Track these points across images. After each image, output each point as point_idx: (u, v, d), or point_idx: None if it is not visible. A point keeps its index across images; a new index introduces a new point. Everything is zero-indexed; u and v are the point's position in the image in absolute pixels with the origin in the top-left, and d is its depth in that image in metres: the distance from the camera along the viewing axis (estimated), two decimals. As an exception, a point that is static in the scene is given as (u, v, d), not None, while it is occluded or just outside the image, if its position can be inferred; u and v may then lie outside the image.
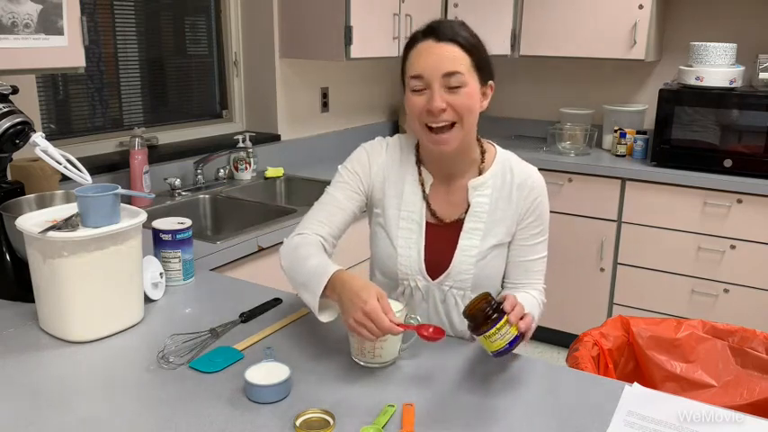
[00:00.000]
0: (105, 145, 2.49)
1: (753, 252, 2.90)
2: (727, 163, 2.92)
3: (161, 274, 1.54)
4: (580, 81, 3.70)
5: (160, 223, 1.64)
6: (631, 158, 3.27)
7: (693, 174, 2.96)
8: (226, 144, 2.78)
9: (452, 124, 1.33)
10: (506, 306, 1.17)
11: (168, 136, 2.72)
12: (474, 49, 1.31)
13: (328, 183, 1.50)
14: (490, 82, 1.37)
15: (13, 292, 1.50)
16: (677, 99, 3.00)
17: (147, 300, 1.48)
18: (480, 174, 1.44)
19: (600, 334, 1.74)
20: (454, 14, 3.42)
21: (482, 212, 1.42)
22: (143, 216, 1.37)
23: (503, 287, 1.49)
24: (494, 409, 1.14)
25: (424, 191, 1.45)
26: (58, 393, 1.16)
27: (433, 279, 1.44)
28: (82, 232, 1.27)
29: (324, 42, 2.83)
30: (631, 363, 1.80)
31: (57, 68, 1.88)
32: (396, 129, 3.77)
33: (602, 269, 3.24)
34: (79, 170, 1.45)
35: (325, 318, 1.27)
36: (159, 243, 1.61)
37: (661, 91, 3.04)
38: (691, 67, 3.00)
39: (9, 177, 1.61)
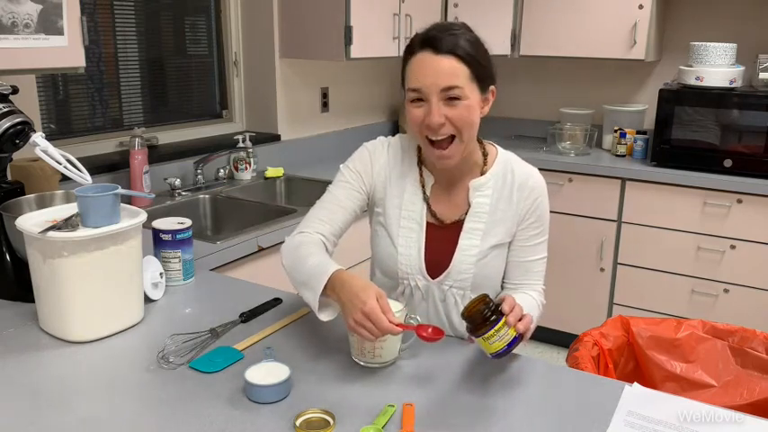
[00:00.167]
0: (105, 145, 2.49)
1: (753, 252, 2.90)
2: (727, 163, 2.92)
3: (161, 274, 1.54)
4: (580, 81, 3.70)
5: (160, 223, 1.64)
6: (631, 158, 3.27)
7: (693, 174, 2.96)
8: (226, 144, 2.78)
9: (452, 137, 1.33)
10: (504, 307, 1.17)
11: (168, 136, 2.72)
12: (473, 60, 1.30)
13: (328, 183, 1.50)
14: (491, 87, 1.36)
15: (13, 292, 1.50)
16: (677, 99, 3.00)
17: (147, 300, 1.48)
18: (482, 174, 1.44)
19: (600, 334, 1.74)
20: (454, 14, 3.41)
21: (482, 213, 1.42)
22: (143, 216, 1.37)
23: (502, 288, 1.49)
24: (494, 408, 1.14)
25: (425, 192, 1.45)
26: (58, 393, 1.16)
27: (433, 279, 1.44)
28: (82, 232, 1.27)
29: (324, 42, 2.83)
30: (631, 363, 1.80)
31: (57, 68, 1.88)
32: (396, 129, 3.77)
33: (602, 269, 3.24)
34: (79, 170, 1.45)
35: (324, 317, 1.27)
36: (159, 243, 1.61)
37: (661, 91, 3.04)
38: (691, 67, 3.00)
39: (9, 177, 1.61)
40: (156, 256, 1.59)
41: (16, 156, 1.59)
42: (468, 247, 1.41)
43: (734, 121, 2.94)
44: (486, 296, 1.19)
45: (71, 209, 1.37)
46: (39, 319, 1.38)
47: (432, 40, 1.29)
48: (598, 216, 3.19)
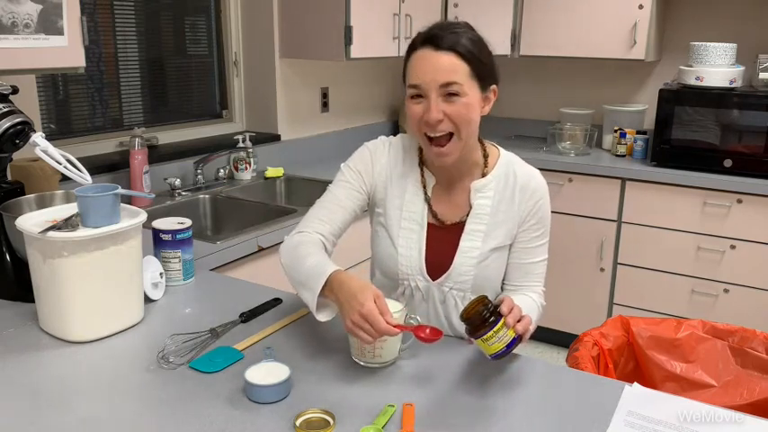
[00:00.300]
0: (105, 145, 2.49)
1: (753, 252, 2.90)
2: (727, 163, 2.92)
3: (161, 274, 1.54)
4: (580, 81, 3.70)
5: (160, 223, 1.64)
6: (631, 158, 3.27)
7: (693, 174, 2.96)
8: (226, 144, 2.78)
9: (450, 135, 1.33)
10: (503, 308, 1.17)
11: (168, 136, 2.72)
12: (474, 57, 1.30)
13: (328, 183, 1.50)
14: (493, 86, 1.36)
15: (13, 292, 1.50)
16: (677, 99, 3.00)
17: (147, 300, 1.48)
18: (483, 176, 1.44)
19: (600, 334, 1.74)
20: (454, 14, 3.42)
21: (484, 214, 1.42)
22: (143, 216, 1.37)
23: (502, 289, 1.49)
24: (494, 408, 1.14)
25: (426, 192, 1.45)
26: (58, 393, 1.16)
27: (434, 280, 1.44)
28: (82, 232, 1.27)
29: (324, 42, 2.83)
30: (631, 363, 1.80)
31: (57, 68, 1.88)
32: (396, 129, 3.77)
33: (602, 269, 3.24)
34: (79, 170, 1.45)
35: (322, 317, 1.27)
36: (159, 243, 1.61)
37: (661, 91, 3.04)
38: (691, 67, 3.00)
39: (9, 177, 1.61)
40: (156, 256, 1.58)
41: (16, 156, 1.59)
42: (469, 248, 1.41)
43: (734, 121, 2.94)
44: (484, 297, 1.19)
45: (71, 209, 1.36)
46: (39, 319, 1.38)
47: (433, 37, 1.30)
48: (598, 216, 3.19)
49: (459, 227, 1.43)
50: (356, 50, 2.81)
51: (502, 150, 1.48)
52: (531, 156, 3.22)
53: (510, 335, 1.15)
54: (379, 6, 2.94)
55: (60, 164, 1.43)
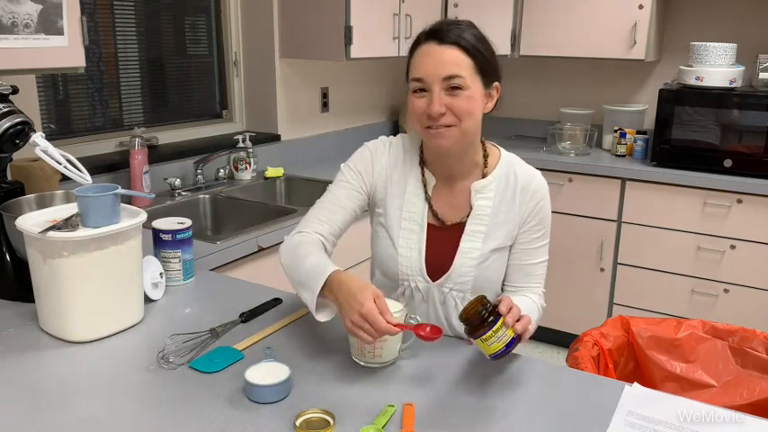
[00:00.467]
0: (105, 145, 2.49)
1: (753, 252, 2.90)
2: (727, 163, 2.92)
3: (161, 274, 1.54)
4: (580, 81, 3.70)
5: (160, 223, 1.64)
6: (631, 158, 3.27)
7: (693, 174, 2.96)
8: (226, 144, 2.78)
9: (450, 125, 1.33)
10: (502, 308, 1.17)
11: (168, 136, 2.72)
12: (477, 52, 1.30)
13: (328, 183, 1.50)
14: (496, 84, 1.36)
15: (13, 292, 1.50)
16: (677, 99, 3.00)
17: (147, 300, 1.48)
18: (483, 176, 1.43)
19: (600, 334, 1.74)
20: (454, 14, 3.42)
21: (484, 215, 1.42)
22: (143, 216, 1.37)
23: (503, 290, 1.49)
24: (494, 408, 1.14)
25: (426, 192, 1.44)
26: (58, 393, 1.16)
27: (434, 280, 1.44)
28: (82, 232, 1.27)
29: (324, 42, 2.83)
30: (631, 363, 1.80)
31: (57, 68, 1.88)
32: (396, 129, 3.77)
33: (602, 269, 3.24)
34: (79, 170, 1.45)
35: (322, 317, 1.27)
36: (159, 243, 1.61)
37: (661, 91, 3.04)
38: (691, 67, 3.00)
39: (9, 177, 1.61)
40: (156, 256, 1.58)
41: (16, 156, 1.59)
42: (470, 249, 1.41)
43: (734, 121, 2.94)
44: (483, 298, 1.19)
45: (71, 209, 1.36)
46: (39, 319, 1.38)
47: (437, 32, 1.31)
48: (598, 216, 3.19)
49: (459, 227, 1.43)
50: (356, 50, 2.81)
51: (503, 151, 1.48)
52: (531, 156, 3.22)
53: (509, 334, 1.15)
54: (379, 6, 2.94)
55: (60, 164, 1.43)
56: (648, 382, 1.76)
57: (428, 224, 1.44)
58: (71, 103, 2.44)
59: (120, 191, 1.34)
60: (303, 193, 2.82)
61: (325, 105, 3.31)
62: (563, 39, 3.33)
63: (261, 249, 2.07)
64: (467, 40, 1.30)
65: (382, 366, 1.26)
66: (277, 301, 1.53)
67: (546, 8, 3.34)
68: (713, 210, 2.94)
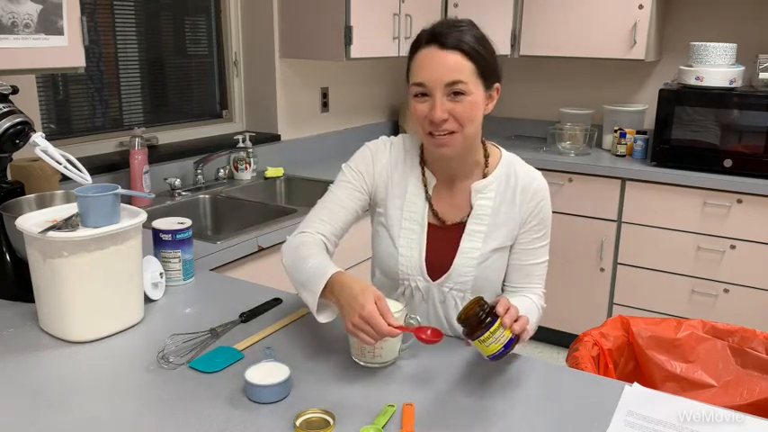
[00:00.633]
0: (105, 145, 2.49)
1: (753, 252, 2.90)
2: (727, 163, 2.92)
3: (161, 274, 1.54)
4: (580, 81, 3.70)
5: (160, 223, 1.64)
6: (631, 158, 3.27)
7: (693, 174, 2.96)
8: (226, 144, 2.78)
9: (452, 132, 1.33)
10: (499, 309, 1.17)
11: (168, 136, 2.72)
12: (478, 55, 1.30)
13: (329, 183, 1.50)
14: (496, 85, 1.36)
15: (13, 292, 1.50)
16: (677, 99, 3.00)
17: (147, 300, 1.48)
18: (484, 176, 1.43)
19: (600, 334, 1.74)
20: (454, 14, 3.42)
21: (485, 215, 1.42)
22: (143, 216, 1.37)
23: (503, 290, 1.49)
24: (494, 408, 1.14)
25: (427, 192, 1.44)
26: (58, 393, 1.16)
27: (434, 280, 1.44)
28: (82, 232, 1.27)
29: (324, 42, 2.83)
30: (631, 363, 1.80)
31: (57, 68, 1.88)
32: (396, 129, 3.77)
33: (602, 269, 3.24)
34: (79, 170, 1.45)
35: (323, 318, 1.26)
36: (159, 243, 1.61)
37: (661, 91, 3.04)
38: (691, 67, 3.00)
39: (9, 177, 1.61)
40: (156, 256, 1.59)
41: (16, 156, 1.59)
42: (470, 249, 1.41)
43: (734, 121, 2.94)
44: (480, 299, 1.18)
45: (71, 209, 1.36)
46: (39, 319, 1.38)
47: (438, 35, 1.29)
48: (598, 216, 3.19)
49: (459, 227, 1.43)
50: (356, 50, 2.81)
51: (503, 151, 1.48)
52: (531, 156, 3.22)
53: (507, 335, 1.15)
54: (379, 6, 2.94)
55: (60, 164, 1.43)
56: (648, 382, 1.76)
57: (428, 224, 1.44)
58: (71, 103, 2.44)
59: (120, 191, 1.34)
60: (303, 193, 2.82)
61: (325, 105, 3.31)
62: (563, 39, 3.33)
63: (261, 249, 2.07)
64: (468, 44, 1.29)
65: (382, 366, 1.26)
66: (277, 301, 1.53)
67: (546, 8, 3.34)
68: (713, 210, 2.94)
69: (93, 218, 1.30)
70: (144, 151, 2.37)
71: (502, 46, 3.39)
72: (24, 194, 1.58)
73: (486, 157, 1.45)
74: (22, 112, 1.51)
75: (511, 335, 1.15)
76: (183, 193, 2.52)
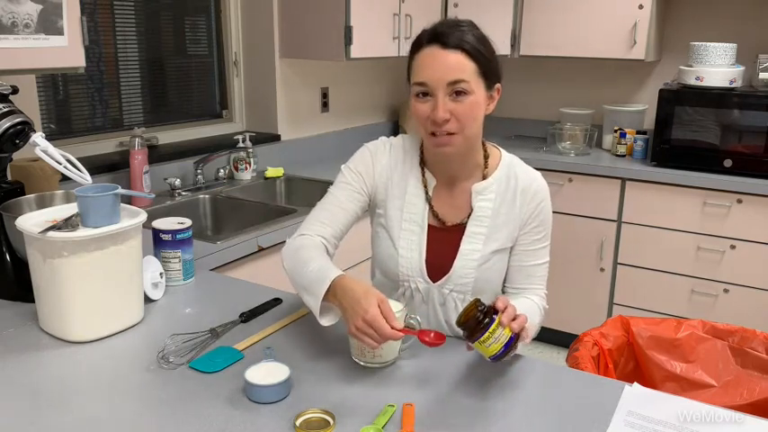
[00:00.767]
0: (105, 145, 2.49)
1: (753, 252, 2.90)
2: (727, 163, 2.92)
3: (161, 274, 1.54)
4: (580, 81, 3.70)
5: (160, 223, 1.64)
6: (631, 158, 3.27)
7: (693, 174, 2.96)
8: (226, 144, 2.78)
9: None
10: (499, 304, 1.17)
11: (168, 136, 2.72)
12: (480, 55, 1.29)
13: (329, 183, 1.50)
14: (497, 85, 1.36)
15: (13, 292, 1.50)
16: (677, 99, 3.00)
17: (147, 300, 1.48)
18: (484, 178, 1.43)
19: (600, 334, 1.74)
20: (454, 14, 3.42)
21: (485, 217, 1.41)
22: (143, 216, 1.37)
23: (503, 292, 1.48)
24: (494, 408, 1.14)
25: (427, 193, 1.44)
26: (58, 393, 1.16)
27: (434, 282, 1.43)
28: (82, 232, 1.27)
29: (324, 42, 2.83)
30: (631, 363, 1.80)
31: (57, 68, 1.88)
32: (396, 129, 3.77)
33: (602, 269, 3.24)
34: (79, 170, 1.45)
35: (326, 321, 1.26)
36: (159, 243, 1.61)
37: (661, 91, 3.04)
38: (691, 67, 3.00)
39: (9, 177, 1.61)
40: (156, 256, 1.58)
41: (16, 156, 1.59)
42: (470, 251, 1.41)
43: (734, 121, 2.94)
44: (477, 301, 1.18)
45: (71, 209, 1.36)
46: (39, 319, 1.38)
47: (439, 35, 1.29)
48: (598, 216, 3.19)
49: (459, 228, 1.43)
50: (356, 50, 2.81)
51: (503, 152, 1.48)
52: (531, 156, 3.23)
53: (506, 334, 1.15)
54: (379, 6, 2.94)
55: (60, 164, 1.43)
56: (648, 382, 1.76)
57: (428, 225, 1.44)
58: (71, 103, 2.44)
59: (120, 191, 1.34)
60: (303, 193, 2.82)
61: (325, 105, 3.31)
62: (563, 39, 3.33)
63: (261, 249, 2.07)
64: (470, 44, 1.29)
65: (382, 366, 1.26)
66: (277, 301, 1.53)
67: (546, 8, 3.34)
68: (713, 210, 2.94)
69: (93, 218, 1.30)
70: (144, 151, 2.37)
71: (502, 46, 3.39)
72: (24, 194, 1.58)
73: (486, 157, 1.44)
74: (22, 112, 1.51)
75: (510, 333, 1.15)
76: (183, 193, 2.52)
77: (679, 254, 3.05)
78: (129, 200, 2.12)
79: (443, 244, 1.43)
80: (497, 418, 1.11)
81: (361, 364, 1.26)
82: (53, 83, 2.36)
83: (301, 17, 2.88)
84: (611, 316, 2.89)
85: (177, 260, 1.61)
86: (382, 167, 1.46)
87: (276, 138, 3.03)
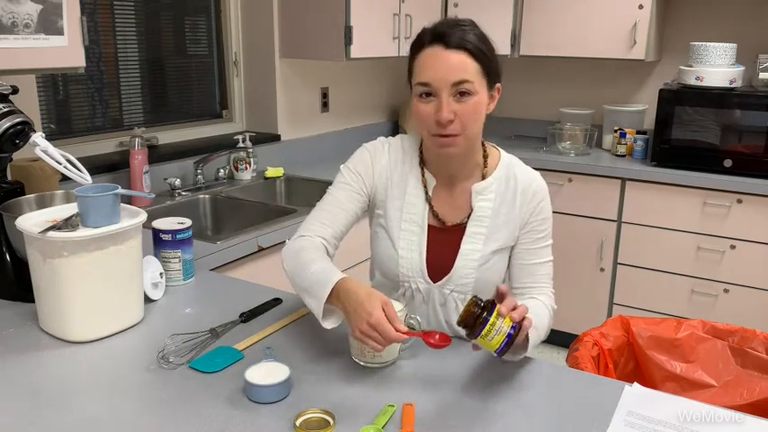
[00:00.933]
0: (105, 145, 2.49)
1: (753, 252, 2.90)
2: (727, 163, 2.92)
3: (161, 274, 1.54)
4: (580, 81, 3.70)
5: (160, 223, 1.64)
6: (631, 158, 3.27)
7: (693, 174, 2.96)
8: (226, 144, 2.78)
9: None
10: (501, 288, 1.17)
11: (168, 136, 2.72)
12: (483, 55, 1.29)
13: (328, 183, 1.49)
14: (497, 84, 1.36)
15: (13, 292, 1.50)
16: (677, 99, 3.00)
17: (147, 300, 1.48)
18: (483, 177, 1.43)
19: (600, 334, 1.74)
20: (454, 14, 3.42)
21: (485, 217, 1.41)
22: (143, 216, 1.37)
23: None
24: (494, 408, 1.14)
25: (426, 193, 1.44)
26: (58, 393, 1.16)
27: (435, 282, 1.43)
28: (82, 232, 1.27)
29: (324, 42, 2.83)
30: (631, 363, 1.80)
31: (57, 68, 1.88)
32: (396, 129, 3.77)
33: (602, 269, 3.24)
34: (79, 170, 1.45)
35: (328, 324, 1.25)
36: (159, 243, 1.61)
37: (661, 91, 3.04)
38: (691, 67, 3.00)
39: (9, 177, 1.61)
40: (156, 256, 1.58)
41: (16, 156, 1.59)
42: (470, 251, 1.41)
43: (734, 121, 2.94)
44: (474, 298, 1.18)
45: (71, 209, 1.36)
46: (39, 319, 1.38)
47: (441, 35, 1.29)
48: (598, 216, 3.19)
49: (459, 229, 1.43)
50: (356, 50, 2.81)
51: (502, 152, 1.48)
52: (531, 156, 3.23)
53: (507, 324, 1.14)
54: (379, 6, 2.94)
55: (60, 164, 1.43)
56: (648, 382, 1.76)
57: (428, 225, 1.43)
58: (71, 103, 2.44)
59: (120, 191, 1.34)
60: (303, 193, 2.82)
61: (325, 105, 3.31)
62: (563, 39, 3.33)
63: (261, 249, 2.07)
64: (472, 44, 1.28)
65: (382, 366, 1.26)
66: (277, 301, 1.53)
67: (546, 8, 3.34)
68: (713, 210, 2.94)
69: (93, 218, 1.30)
70: (144, 151, 2.37)
71: (502, 46, 3.39)
72: (24, 194, 1.58)
73: (486, 157, 1.44)
74: (22, 112, 1.51)
75: (511, 323, 1.14)
76: (183, 193, 2.52)
77: (679, 254, 3.05)
78: (129, 200, 2.12)
79: (443, 244, 1.43)
80: (497, 418, 1.11)
81: (361, 364, 1.26)
82: (53, 83, 2.36)
83: (301, 17, 2.88)
84: (611, 316, 2.89)
85: (177, 260, 1.61)
86: (382, 168, 1.46)
87: (276, 138, 3.03)
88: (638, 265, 3.16)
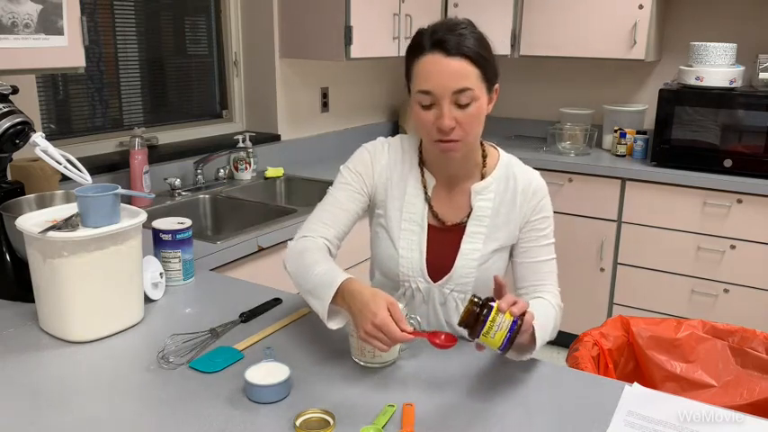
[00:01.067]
0: (105, 145, 2.49)
1: (753, 252, 2.90)
2: (727, 163, 2.92)
3: (161, 274, 1.54)
4: (580, 81, 3.70)
5: (160, 223, 1.64)
6: (631, 158, 3.27)
7: (693, 174, 2.96)
8: (226, 144, 2.78)
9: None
10: (497, 280, 1.17)
11: (168, 136, 2.72)
12: (482, 59, 1.29)
13: (329, 183, 1.49)
14: (496, 86, 1.36)
15: (13, 292, 1.50)
16: (677, 99, 3.00)
17: (147, 300, 1.48)
18: (483, 177, 1.43)
19: (600, 334, 1.74)
20: (454, 14, 3.41)
21: (485, 216, 1.41)
22: (143, 216, 1.37)
23: (517, 294, 1.47)
24: (494, 408, 1.14)
25: (426, 193, 1.44)
26: (58, 393, 1.16)
27: (435, 281, 1.43)
28: (82, 232, 1.27)
29: (324, 42, 2.83)
30: (631, 363, 1.80)
31: (57, 68, 1.88)
32: (396, 129, 3.77)
33: (602, 269, 3.24)
34: (79, 170, 1.45)
35: (333, 325, 1.25)
36: (159, 243, 1.61)
37: (661, 91, 3.04)
38: (691, 67, 3.00)
39: (9, 177, 1.61)
40: (156, 256, 1.59)
41: (16, 156, 1.59)
42: (470, 251, 1.41)
43: (734, 121, 2.94)
44: (473, 297, 1.18)
45: (71, 209, 1.37)
46: (39, 319, 1.38)
47: (440, 41, 1.27)
48: (598, 216, 3.19)
49: (459, 228, 1.43)
50: (356, 50, 2.81)
51: (501, 152, 1.48)
52: (531, 156, 3.23)
53: (508, 319, 1.13)
54: (379, 6, 2.94)
55: (60, 164, 1.43)
56: (648, 382, 1.76)
57: (428, 225, 1.43)
58: (71, 103, 2.44)
59: (120, 191, 1.34)
60: (303, 193, 2.82)
61: (325, 105, 3.31)
62: (563, 39, 3.33)
63: (261, 249, 2.07)
64: (471, 49, 1.27)
65: (382, 366, 1.26)
66: (277, 301, 1.53)
67: (546, 8, 3.34)
68: (713, 210, 2.94)
69: (93, 218, 1.30)
70: (144, 151, 2.37)
71: (502, 46, 3.41)
72: (24, 194, 1.58)
73: (485, 157, 1.44)
74: (22, 112, 1.51)
75: (512, 318, 1.14)
76: (183, 193, 2.52)
77: (679, 254, 3.05)
78: (129, 200, 2.13)
79: (443, 244, 1.43)
80: (497, 419, 1.11)
81: (361, 363, 1.26)
82: (53, 83, 2.36)
83: (301, 17, 2.88)
84: (611, 316, 2.89)
85: (177, 260, 1.61)
86: (381, 168, 1.46)
87: (276, 138, 3.03)
88: (638, 265, 3.16)
